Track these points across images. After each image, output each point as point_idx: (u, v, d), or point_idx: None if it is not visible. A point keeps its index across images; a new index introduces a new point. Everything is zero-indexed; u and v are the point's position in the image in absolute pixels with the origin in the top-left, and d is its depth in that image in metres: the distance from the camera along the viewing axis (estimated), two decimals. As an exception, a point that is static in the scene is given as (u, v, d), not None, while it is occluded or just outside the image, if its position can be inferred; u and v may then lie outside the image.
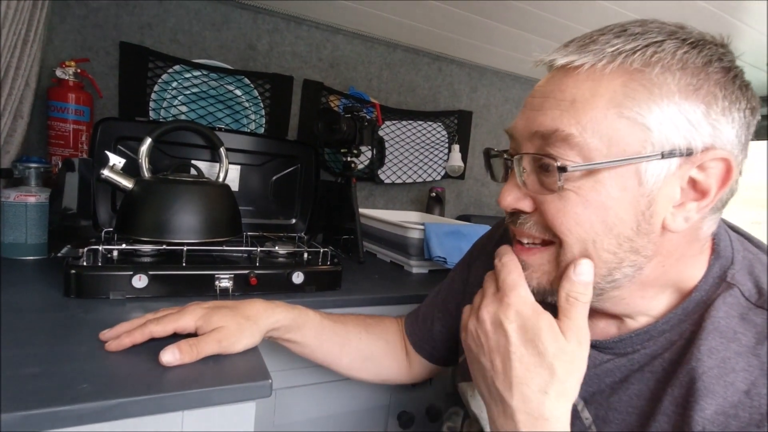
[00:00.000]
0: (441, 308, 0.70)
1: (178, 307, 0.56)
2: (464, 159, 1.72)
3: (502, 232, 0.67)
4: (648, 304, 0.44)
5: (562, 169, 0.37)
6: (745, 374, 0.36)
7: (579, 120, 0.37)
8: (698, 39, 0.38)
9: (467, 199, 1.82)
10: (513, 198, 0.43)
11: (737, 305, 0.39)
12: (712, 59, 0.37)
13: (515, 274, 0.43)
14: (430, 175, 1.67)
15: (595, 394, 0.45)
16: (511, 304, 0.41)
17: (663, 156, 0.36)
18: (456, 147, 1.64)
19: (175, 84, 1.21)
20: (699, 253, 0.43)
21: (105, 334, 0.53)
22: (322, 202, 1.20)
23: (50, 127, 1.01)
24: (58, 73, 1.00)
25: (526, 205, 0.43)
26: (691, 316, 0.41)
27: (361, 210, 1.21)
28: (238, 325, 0.54)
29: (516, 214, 0.44)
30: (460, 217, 1.68)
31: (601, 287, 0.41)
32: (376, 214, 1.26)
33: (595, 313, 0.48)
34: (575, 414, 0.46)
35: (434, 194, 1.55)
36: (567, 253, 0.40)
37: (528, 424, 0.39)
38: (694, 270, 0.43)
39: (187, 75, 1.22)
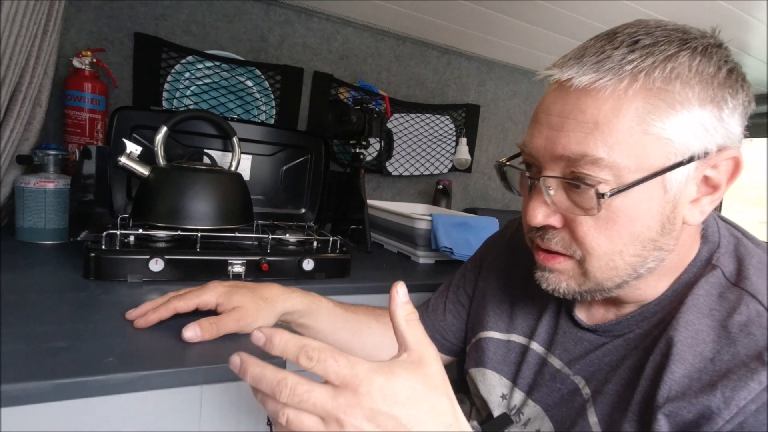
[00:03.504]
0: (453, 300, 0.72)
1: (200, 286, 0.58)
2: (471, 152, 1.73)
3: (513, 231, 0.69)
4: (652, 290, 0.46)
5: (601, 195, 0.39)
6: (714, 345, 0.39)
7: (605, 141, 0.39)
8: (704, 45, 0.40)
9: (474, 193, 1.83)
10: (543, 216, 0.43)
11: (718, 284, 0.43)
12: (720, 65, 0.40)
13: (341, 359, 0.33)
14: (437, 168, 1.68)
15: (595, 372, 0.48)
16: (366, 392, 0.32)
17: (684, 164, 0.39)
18: (463, 140, 1.65)
19: (187, 74, 1.22)
20: (695, 239, 0.46)
21: (131, 313, 0.55)
22: (331, 193, 1.22)
23: (67, 115, 1.03)
24: (75, 62, 1.02)
25: (556, 221, 0.44)
26: (679, 297, 0.44)
27: (369, 201, 1.23)
28: (256, 306, 0.56)
29: (543, 229, 0.45)
30: (466, 210, 1.70)
31: (626, 282, 0.44)
32: (384, 205, 1.28)
33: (592, 301, 0.51)
34: (576, 390, 0.48)
35: (441, 187, 1.57)
36: (594, 263, 0.43)
37: None
38: (687, 255, 0.46)
39: (200, 66, 1.24)
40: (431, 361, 0.34)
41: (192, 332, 0.50)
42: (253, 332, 0.34)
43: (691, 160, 0.39)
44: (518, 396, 0.55)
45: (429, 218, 1.07)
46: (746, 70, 1.40)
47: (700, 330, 0.40)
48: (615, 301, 0.49)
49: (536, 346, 0.55)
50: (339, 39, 1.45)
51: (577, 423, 0.46)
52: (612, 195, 0.39)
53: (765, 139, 2.01)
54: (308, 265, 0.83)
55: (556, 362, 0.52)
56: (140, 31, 1.17)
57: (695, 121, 0.39)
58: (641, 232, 0.41)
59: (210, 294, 0.56)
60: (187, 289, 0.57)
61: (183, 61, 1.22)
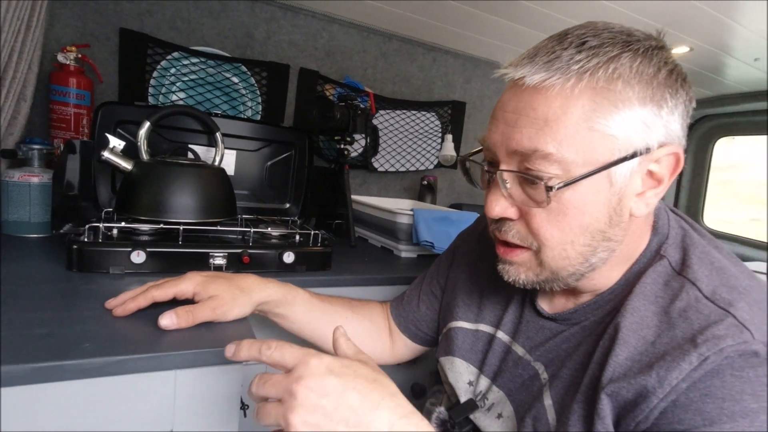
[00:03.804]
0: (426, 291, 0.75)
1: (178, 276, 0.60)
2: (457, 149, 1.75)
3: (485, 225, 0.72)
4: (605, 281, 0.49)
5: (549, 188, 0.42)
6: (656, 329, 0.42)
7: (555, 138, 0.42)
8: (645, 47, 0.43)
9: (459, 188, 1.86)
10: (501, 208, 0.46)
11: (664, 273, 0.46)
12: (660, 66, 0.43)
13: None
14: (423, 164, 1.70)
15: (553, 358, 0.51)
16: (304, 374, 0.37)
17: (628, 158, 0.42)
18: (449, 137, 1.67)
19: (173, 70, 1.24)
20: (646, 230, 0.49)
21: (110, 302, 0.57)
22: (316, 188, 1.24)
23: (52, 110, 1.04)
24: (60, 57, 1.03)
25: (512, 213, 0.47)
26: (630, 286, 0.47)
27: (354, 196, 1.25)
28: (232, 296, 0.58)
29: (501, 221, 0.48)
30: (452, 206, 1.72)
31: (581, 272, 0.47)
32: (368, 200, 1.30)
33: (554, 291, 0.54)
34: (536, 376, 0.51)
35: (426, 182, 1.59)
36: (548, 253, 0.46)
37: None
38: (638, 246, 0.49)
39: (186, 62, 1.25)
40: (372, 362, 0.42)
41: (168, 320, 0.52)
42: (226, 347, 0.42)
43: (634, 155, 0.42)
44: (484, 382, 0.58)
45: (410, 213, 1.10)
46: (729, 70, 1.43)
47: (645, 316, 0.43)
48: (573, 291, 0.52)
49: (502, 335, 0.58)
50: (325, 36, 1.47)
51: (534, 406, 0.49)
52: (560, 188, 0.42)
53: (760, 137, 2.05)
54: (289, 257, 0.85)
55: (519, 350, 0.55)
56: (125, 27, 1.18)
57: (637, 118, 0.41)
58: (590, 223, 0.44)
59: (187, 283, 0.58)
60: (166, 279, 0.59)
61: (169, 57, 1.23)
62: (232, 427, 0.53)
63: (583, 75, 0.41)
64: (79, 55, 1.05)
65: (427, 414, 0.76)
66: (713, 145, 2.12)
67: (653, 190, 0.45)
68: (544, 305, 0.55)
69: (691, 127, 2.15)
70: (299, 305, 0.68)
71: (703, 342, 0.38)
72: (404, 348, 0.77)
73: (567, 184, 0.42)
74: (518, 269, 0.49)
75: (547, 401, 0.48)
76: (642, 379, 0.39)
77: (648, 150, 0.42)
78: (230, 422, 0.53)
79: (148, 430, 0.49)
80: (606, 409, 0.41)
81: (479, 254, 0.68)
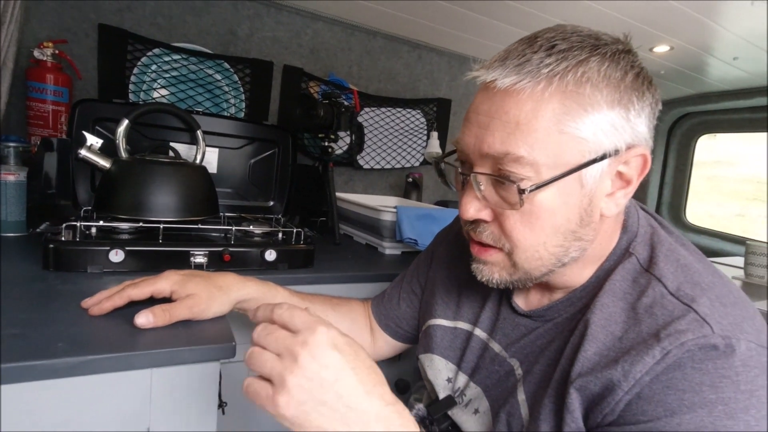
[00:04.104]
0: (407, 289, 0.75)
1: (156, 275, 0.59)
2: (443, 146, 1.75)
3: (461, 226, 0.73)
4: (577, 278, 0.50)
5: (522, 191, 0.42)
6: (623, 325, 0.43)
7: (525, 141, 0.42)
8: (613, 51, 0.44)
9: (445, 186, 1.87)
10: (474, 210, 0.47)
11: (632, 270, 0.47)
12: (627, 70, 0.44)
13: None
14: (408, 161, 1.71)
15: (528, 354, 0.52)
16: (312, 343, 0.37)
17: (597, 160, 0.43)
18: (434, 134, 1.67)
19: (154, 67, 1.22)
20: (616, 228, 0.50)
21: (86, 302, 0.57)
22: (300, 186, 1.23)
23: (29, 107, 1.03)
24: (36, 53, 1.01)
25: (486, 215, 0.47)
26: (601, 282, 0.48)
27: (339, 194, 1.25)
28: (210, 294, 0.58)
29: (476, 222, 0.49)
30: (437, 203, 1.73)
31: (552, 270, 0.48)
32: (352, 197, 1.30)
33: (529, 288, 0.55)
34: (511, 372, 0.52)
35: (411, 180, 1.59)
36: (521, 255, 0.47)
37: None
38: (609, 244, 0.50)
39: (167, 58, 1.23)
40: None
41: (145, 318, 0.52)
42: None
43: (603, 157, 0.43)
44: (462, 379, 0.58)
45: (394, 210, 1.10)
46: (710, 69, 1.45)
47: (614, 312, 0.44)
48: (548, 287, 0.53)
49: (479, 332, 0.59)
50: (309, 33, 1.46)
51: (508, 401, 0.50)
52: (532, 191, 0.42)
53: (748, 135, 2.09)
54: (270, 255, 0.85)
55: (495, 346, 0.56)
56: (104, 23, 1.16)
57: (605, 121, 0.42)
58: (562, 224, 0.45)
59: (164, 282, 0.57)
60: (143, 278, 0.59)
61: (149, 53, 1.21)
62: (210, 426, 0.53)
63: (553, 78, 0.42)
64: (57, 51, 1.03)
65: (409, 410, 0.76)
66: (695, 142, 2.16)
67: (622, 190, 0.46)
68: (520, 302, 0.56)
69: (673, 125, 2.19)
70: (280, 301, 0.67)
71: (665, 336, 0.39)
72: (385, 345, 0.77)
73: (539, 187, 0.43)
74: (492, 269, 0.49)
75: (521, 396, 0.49)
76: (608, 373, 0.40)
77: (617, 152, 0.43)
78: (208, 421, 0.53)
79: (124, 430, 0.48)
80: (575, 403, 0.42)
81: (457, 253, 0.69)
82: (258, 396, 0.37)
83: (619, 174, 0.45)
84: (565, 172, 0.42)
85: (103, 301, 0.55)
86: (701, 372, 0.37)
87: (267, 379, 0.37)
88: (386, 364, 1.03)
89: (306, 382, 0.36)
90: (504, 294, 0.58)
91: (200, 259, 0.79)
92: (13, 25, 0.91)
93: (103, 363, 0.46)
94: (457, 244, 0.70)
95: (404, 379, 1.05)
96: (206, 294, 0.58)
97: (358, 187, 1.65)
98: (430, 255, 0.75)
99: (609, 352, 0.42)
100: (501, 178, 0.44)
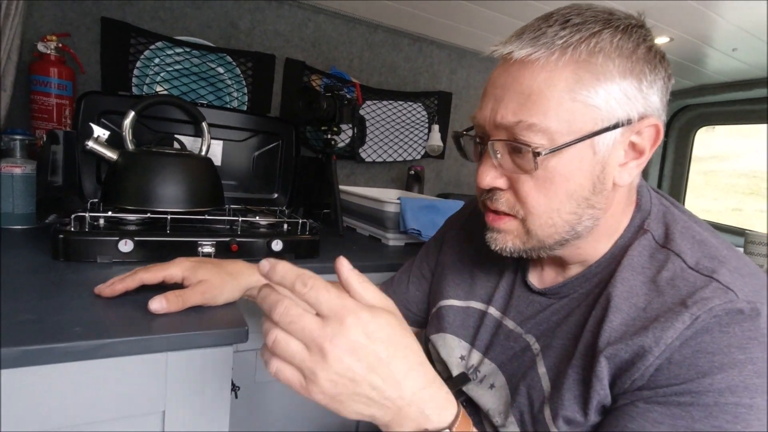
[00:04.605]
0: (416, 274, 0.77)
1: (167, 261, 0.60)
2: (444, 139, 1.76)
3: (472, 209, 0.74)
4: (592, 252, 0.52)
5: (537, 154, 0.44)
6: (645, 297, 0.45)
7: (538, 109, 0.44)
8: (626, 24, 0.45)
9: (447, 178, 1.88)
10: (490, 178, 0.48)
11: (648, 246, 0.48)
12: (639, 42, 0.45)
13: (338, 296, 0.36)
14: (410, 154, 1.71)
15: (544, 330, 0.53)
16: (352, 324, 0.35)
17: (610, 129, 0.44)
18: (436, 127, 1.68)
19: (157, 60, 1.22)
20: (629, 204, 0.52)
21: (99, 287, 0.57)
22: (303, 178, 1.24)
23: (33, 101, 1.03)
24: (40, 47, 1.01)
25: (501, 183, 0.49)
26: (616, 259, 0.49)
27: (341, 186, 1.26)
28: (221, 280, 0.59)
29: (491, 191, 0.50)
30: (439, 196, 1.74)
31: (566, 239, 0.49)
32: (355, 190, 1.31)
33: (544, 265, 0.57)
34: (527, 347, 0.54)
35: (413, 172, 1.60)
36: (535, 221, 0.48)
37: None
38: (622, 220, 0.51)
39: (170, 52, 1.23)
40: (396, 309, 0.39)
41: (158, 304, 0.53)
42: (261, 262, 0.37)
43: (616, 126, 0.44)
44: (476, 356, 0.59)
45: (397, 202, 1.11)
46: (709, 61, 1.46)
47: (634, 285, 0.46)
48: (562, 264, 0.55)
49: (493, 311, 0.60)
50: (311, 26, 1.46)
51: (527, 374, 0.51)
52: (546, 154, 0.44)
53: (726, 127, 2.10)
54: (277, 245, 0.86)
55: (510, 324, 0.57)
56: (106, 16, 1.16)
57: (618, 90, 0.44)
58: (575, 190, 0.46)
59: (176, 268, 0.58)
60: (155, 264, 0.60)
61: (152, 47, 1.21)
62: (223, 409, 0.54)
63: (567, 49, 0.43)
64: (60, 45, 1.03)
65: None
66: (694, 134, 2.17)
67: (635, 161, 0.47)
68: (534, 281, 0.58)
69: (672, 117, 2.19)
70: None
71: (693, 304, 0.41)
72: None
73: (552, 151, 0.44)
74: (506, 237, 0.51)
75: (541, 369, 0.50)
76: (639, 339, 0.42)
77: (629, 121, 0.45)
78: (222, 404, 0.54)
79: (140, 411, 0.49)
80: (604, 371, 0.43)
81: (467, 237, 0.70)
82: (291, 383, 0.36)
83: (632, 144, 0.47)
84: (578, 138, 0.44)
85: (116, 282, 0.56)
86: (729, 335, 0.39)
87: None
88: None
89: (338, 377, 0.34)
90: (518, 273, 0.60)
91: (208, 249, 0.79)
92: (17, 17, 0.91)
93: (121, 346, 0.46)
94: (468, 227, 0.71)
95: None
96: (218, 280, 0.58)
97: (359, 180, 1.66)
98: (440, 240, 0.76)
99: (635, 322, 0.43)
100: (516, 143, 0.45)
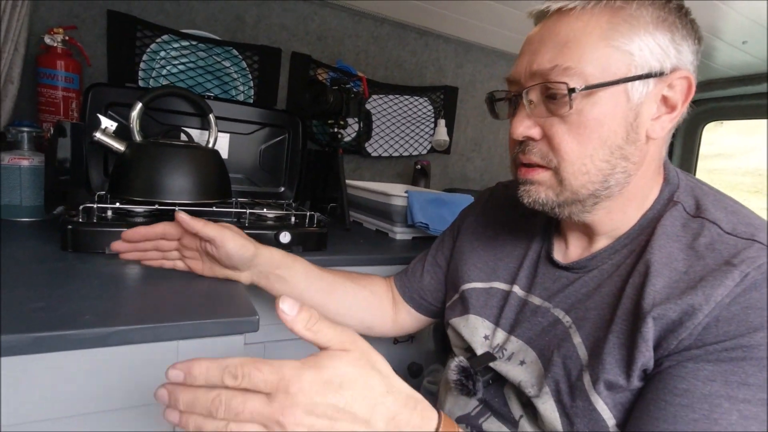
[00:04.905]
0: (431, 262, 0.76)
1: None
2: (450, 134, 1.75)
3: (488, 196, 0.74)
4: (621, 219, 0.52)
5: (571, 90, 0.45)
6: (685, 262, 0.45)
7: (573, 54, 0.45)
8: None
9: (452, 174, 1.87)
10: (524, 127, 0.49)
11: (680, 217, 0.49)
12: None
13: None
14: (416, 149, 1.71)
15: (574, 303, 0.52)
16: (298, 390, 0.33)
17: (643, 77, 0.45)
18: (442, 122, 1.67)
19: (163, 54, 1.22)
20: (658, 175, 0.52)
21: (116, 245, 0.63)
22: (309, 172, 1.24)
23: (40, 93, 1.03)
24: (47, 39, 1.01)
25: (536, 133, 0.49)
26: (646, 230, 0.50)
27: (348, 181, 1.25)
28: (239, 232, 0.65)
29: (524, 142, 0.51)
30: (445, 191, 1.73)
31: (597, 194, 0.49)
32: (362, 184, 1.30)
33: (569, 241, 0.57)
34: (557, 321, 0.53)
35: (419, 167, 1.59)
36: (568, 168, 0.48)
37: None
38: (651, 192, 0.52)
39: (176, 45, 1.23)
40: (354, 342, 0.37)
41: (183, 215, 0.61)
42: (168, 370, 0.34)
43: (649, 75, 0.45)
44: (500, 335, 0.58)
45: (405, 195, 1.10)
46: (718, 54, 1.43)
47: (672, 251, 0.46)
48: (589, 237, 0.55)
49: (517, 289, 0.60)
50: (316, 20, 1.46)
51: (561, 346, 0.50)
52: (581, 90, 0.45)
53: (734, 122, 2.08)
54: (285, 237, 0.85)
55: (536, 300, 0.57)
56: (112, 9, 1.16)
57: (651, 39, 0.45)
58: (608, 137, 0.46)
59: (198, 222, 0.62)
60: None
61: (158, 40, 1.21)
62: (233, 399, 0.54)
63: None
64: (66, 38, 1.03)
65: (425, 393, 0.77)
66: (702, 129, 2.15)
67: (668, 115, 0.48)
68: (560, 258, 0.57)
69: (680, 112, 2.17)
70: (299, 270, 0.69)
71: (740, 262, 0.41)
72: (408, 318, 0.78)
73: (587, 89, 0.45)
74: (538, 188, 0.51)
75: (576, 339, 0.49)
76: (688, 298, 0.41)
77: (662, 73, 0.46)
78: (232, 393, 0.53)
79: (151, 400, 0.49)
80: (650, 332, 0.43)
81: (485, 222, 0.70)
82: None
83: (665, 99, 0.47)
84: (612, 80, 0.45)
85: (139, 227, 0.60)
86: None
87: None
88: (399, 347, 1.04)
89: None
90: (542, 251, 0.60)
91: (216, 241, 0.79)
92: (24, 9, 0.91)
93: (132, 334, 0.46)
94: (487, 213, 0.71)
95: (417, 362, 1.06)
96: (235, 230, 0.62)
97: (365, 174, 1.65)
98: (455, 229, 0.76)
99: (678, 284, 0.43)
100: (551, 84, 0.46)
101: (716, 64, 1.75)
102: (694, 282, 0.42)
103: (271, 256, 0.67)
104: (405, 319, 0.78)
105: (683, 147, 2.20)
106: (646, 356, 0.43)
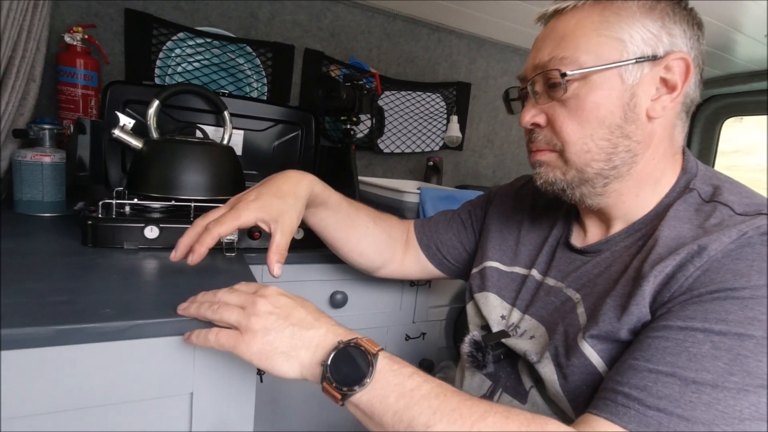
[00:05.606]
0: (457, 221, 0.79)
1: (228, 206, 0.59)
2: (462, 130, 1.75)
3: (523, 183, 0.77)
4: (634, 206, 0.54)
5: (563, 75, 0.50)
6: (692, 238, 0.45)
7: (568, 46, 0.50)
8: None
9: (465, 170, 1.86)
10: (530, 116, 0.55)
11: (694, 202, 0.50)
12: None
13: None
14: (428, 145, 1.70)
15: (585, 282, 0.55)
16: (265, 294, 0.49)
17: (636, 61, 0.49)
18: (454, 118, 1.66)
19: (178, 51, 1.23)
20: (673, 161, 0.54)
21: (175, 255, 0.57)
22: (322, 168, 1.24)
23: (60, 91, 1.05)
24: (67, 38, 1.03)
25: (541, 120, 0.54)
26: (660, 216, 0.51)
27: (360, 177, 1.25)
28: (289, 206, 0.60)
29: (533, 131, 0.56)
30: (457, 187, 1.72)
31: (605, 174, 0.52)
32: (374, 180, 1.30)
33: (587, 227, 0.60)
34: (568, 299, 0.55)
35: (432, 163, 1.59)
36: (571, 149, 0.52)
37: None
38: (667, 178, 0.53)
39: (191, 42, 1.25)
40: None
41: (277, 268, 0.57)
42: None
43: (642, 59, 0.49)
44: (516, 315, 0.61)
45: (417, 192, 1.10)
46: (738, 48, 1.41)
47: (681, 230, 0.48)
48: (606, 221, 0.57)
49: (535, 273, 0.63)
50: (329, 16, 1.46)
51: (566, 318, 0.53)
52: (573, 73, 0.49)
53: (751, 124, 2.04)
54: (299, 234, 0.86)
55: (551, 281, 0.59)
56: (130, 8, 1.17)
57: (641, 26, 0.49)
58: (606, 117, 0.50)
59: (248, 214, 0.56)
60: (214, 211, 0.58)
61: (174, 37, 1.22)
62: (249, 392, 0.55)
63: None
64: (86, 36, 1.05)
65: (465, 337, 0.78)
66: (721, 125, 2.10)
67: (668, 95, 0.50)
68: (577, 243, 0.60)
69: (698, 108, 2.13)
70: (333, 203, 0.72)
71: (742, 222, 0.43)
72: (415, 264, 0.80)
73: (580, 72, 0.49)
74: (547, 169, 0.55)
75: (580, 310, 0.52)
76: (683, 250, 0.44)
77: (655, 57, 0.49)
78: (247, 387, 0.54)
79: (169, 393, 0.50)
80: (648, 287, 0.44)
81: (516, 206, 0.73)
82: (229, 339, 0.46)
83: (663, 81, 0.50)
84: (605, 64, 0.49)
85: (195, 247, 0.54)
86: None
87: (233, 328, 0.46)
88: (411, 344, 1.04)
89: (266, 321, 0.45)
90: (561, 237, 0.62)
91: (230, 236, 0.80)
92: (45, 8, 0.93)
93: (151, 328, 0.47)
94: (517, 198, 0.74)
95: (428, 358, 1.06)
96: (289, 207, 0.60)
97: (377, 171, 1.66)
98: (487, 201, 0.79)
99: (680, 249, 0.45)
100: (548, 73, 0.51)
101: (737, 58, 1.71)
102: (700, 246, 0.43)
103: (314, 191, 0.67)
104: (411, 263, 0.80)
105: (701, 143, 2.16)
106: (642, 311, 0.44)
